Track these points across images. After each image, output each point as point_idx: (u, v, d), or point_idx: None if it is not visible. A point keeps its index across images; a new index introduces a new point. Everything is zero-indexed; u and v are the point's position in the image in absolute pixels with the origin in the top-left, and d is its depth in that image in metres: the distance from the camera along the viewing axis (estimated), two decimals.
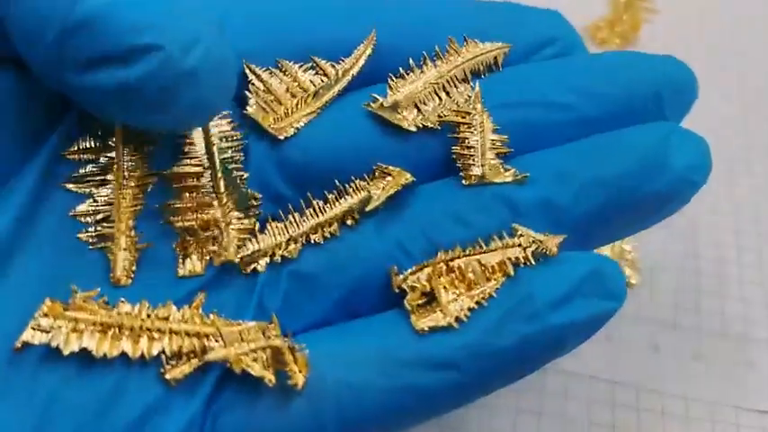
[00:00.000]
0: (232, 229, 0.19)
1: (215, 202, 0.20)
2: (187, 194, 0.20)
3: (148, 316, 0.17)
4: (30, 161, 0.18)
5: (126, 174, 0.19)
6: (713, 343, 0.29)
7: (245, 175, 0.20)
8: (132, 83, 0.16)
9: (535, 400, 0.28)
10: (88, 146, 0.19)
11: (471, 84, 0.22)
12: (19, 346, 0.16)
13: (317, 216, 0.20)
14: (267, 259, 0.20)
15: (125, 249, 0.18)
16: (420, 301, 0.19)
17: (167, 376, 0.17)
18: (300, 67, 0.21)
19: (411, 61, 0.21)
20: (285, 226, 0.20)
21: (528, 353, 0.19)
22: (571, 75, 0.22)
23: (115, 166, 0.19)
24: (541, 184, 0.20)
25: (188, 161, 0.20)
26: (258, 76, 0.21)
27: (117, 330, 0.17)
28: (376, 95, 0.21)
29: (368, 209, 0.20)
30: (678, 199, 0.21)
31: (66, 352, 0.16)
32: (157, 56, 0.15)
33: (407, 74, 0.21)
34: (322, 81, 0.21)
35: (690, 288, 0.31)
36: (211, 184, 0.20)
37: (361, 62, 0.21)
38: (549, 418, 0.27)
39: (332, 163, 0.20)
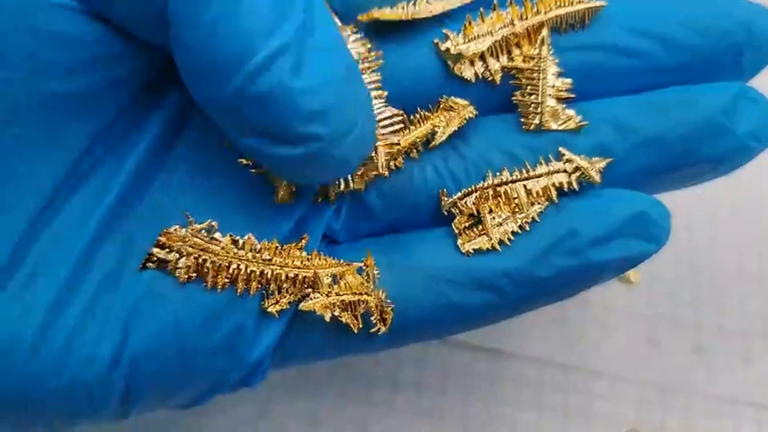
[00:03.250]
0: (379, 145, 0.20)
1: None
2: None
3: (253, 257, 0.19)
4: None
5: None
6: (712, 337, 0.29)
7: (385, 94, 0.21)
8: (286, 158, 0.17)
9: (535, 394, 0.28)
10: None
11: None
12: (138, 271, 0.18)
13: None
14: (338, 189, 0.21)
15: None
16: (467, 224, 0.21)
17: (269, 310, 0.19)
18: None
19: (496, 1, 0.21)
20: None
21: (565, 284, 0.20)
22: (647, 18, 0.21)
23: None
24: (599, 134, 0.21)
25: None
26: None
27: (225, 265, 0.19)
28: (448, 32, 0.21)
29: (431, 145, 0.21)
30: (733, 163, 0.21)
31: (181, 280, 0.18)
32: (317, 145, 0.16)
33: (485, 19, 0.21)
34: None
35: (689, 282, 0.31)
36: None
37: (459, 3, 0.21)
38: (549, 413, 0.28)
39: (395, 94, 0.21)
